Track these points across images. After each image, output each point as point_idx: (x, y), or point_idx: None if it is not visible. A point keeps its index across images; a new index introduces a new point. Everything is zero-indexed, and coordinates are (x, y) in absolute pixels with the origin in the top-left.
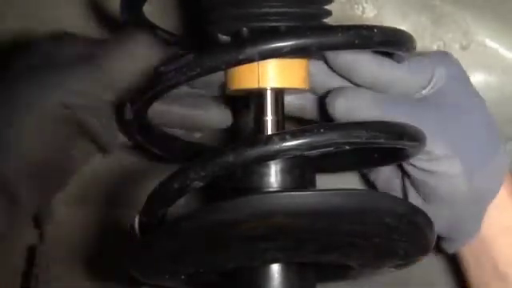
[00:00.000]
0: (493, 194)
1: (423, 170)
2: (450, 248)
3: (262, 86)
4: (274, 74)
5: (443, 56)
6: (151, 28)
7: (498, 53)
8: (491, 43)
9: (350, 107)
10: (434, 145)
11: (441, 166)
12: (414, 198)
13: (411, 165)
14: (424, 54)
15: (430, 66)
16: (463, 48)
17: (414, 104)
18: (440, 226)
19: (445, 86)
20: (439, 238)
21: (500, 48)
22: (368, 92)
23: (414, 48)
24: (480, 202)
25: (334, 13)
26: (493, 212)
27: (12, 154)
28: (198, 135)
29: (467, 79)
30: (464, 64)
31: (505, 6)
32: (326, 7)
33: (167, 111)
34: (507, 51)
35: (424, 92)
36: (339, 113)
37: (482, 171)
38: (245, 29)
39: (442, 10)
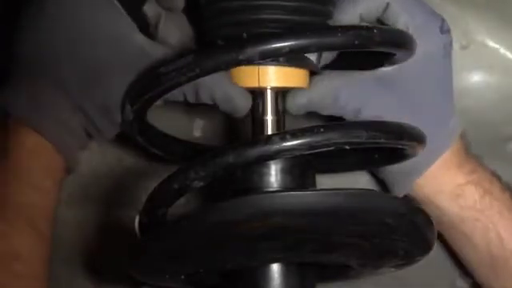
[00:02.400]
0: (441, 152)
1: None
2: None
3: (262, 85)
4: (274, 73)
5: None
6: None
7: (498, 53)
8: (491, 43)
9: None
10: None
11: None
12: None
13: None
14: None
15: None
16: (463, 48)
17: (373, 82)
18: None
19: (411, 64)
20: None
21: (500, 48)
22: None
23: (414, 48)
24: (429, 159)
25: None
26: (439, 171)
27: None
28: (197, 134)
29: (441, 57)
30: (464, 64)
31: (505, 5)
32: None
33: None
34: (507, 51)
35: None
36: (299, 106)
37: (436, 134)
38: (245, 34)
39: (442, 9)
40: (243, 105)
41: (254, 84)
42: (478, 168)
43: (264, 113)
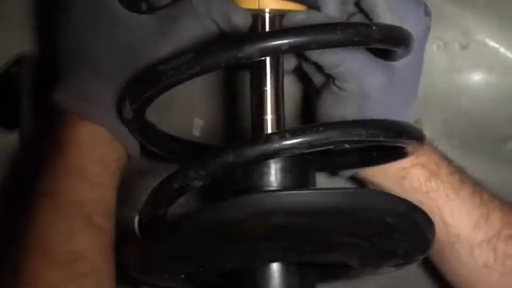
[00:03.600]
0: None
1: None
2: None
3: (261, 7)
4: None
5: None
6: None
7: (498, 52)
8: (491, 43)
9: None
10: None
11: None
12: None
13: None
14: None
15: None
16: (463, 47)
17: (365, 53)
18: None
19: None
20: None
21: (500, 48)
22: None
23: (413, 45)
24: None
25: None
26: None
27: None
28: (197, 133)
29: (420, 40)
30: (464, 64)
31: (505, 5)
32: None
33: None
34: (507, 51)
35: None
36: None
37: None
38: None
39: (442, 9)
40: (242, 22)
41: (253, 5)
42: (425, 151)
43: (264, 112)
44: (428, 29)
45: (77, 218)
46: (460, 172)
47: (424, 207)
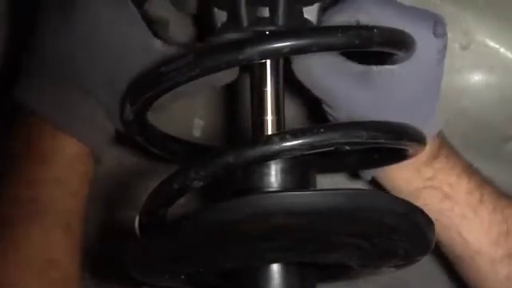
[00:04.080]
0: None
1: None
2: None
3: None
4: None
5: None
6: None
7: (498, 53)
8: (491, 43)
9: (306, 68)
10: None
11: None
12: None
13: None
14: None
15: None
16: (463, 48)
17: (356, 75)
18: None
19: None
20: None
21: (500, 48)
22: (324, 57)
23: (414, 48)
24: None
25: None
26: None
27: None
28: (197, 134)
29: (430, 65)
30: (464, 64)
31: (505, 5)
32: None
33: None
34: (507, 51)
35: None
36: (298, 73)
37: None
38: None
39: (443, 9)
40: None
41: None
42: (440, 172)
43: (264, 112)
44: (439, 51)
45: (56, 227)
46: (481, 188)
47: (440, 224)
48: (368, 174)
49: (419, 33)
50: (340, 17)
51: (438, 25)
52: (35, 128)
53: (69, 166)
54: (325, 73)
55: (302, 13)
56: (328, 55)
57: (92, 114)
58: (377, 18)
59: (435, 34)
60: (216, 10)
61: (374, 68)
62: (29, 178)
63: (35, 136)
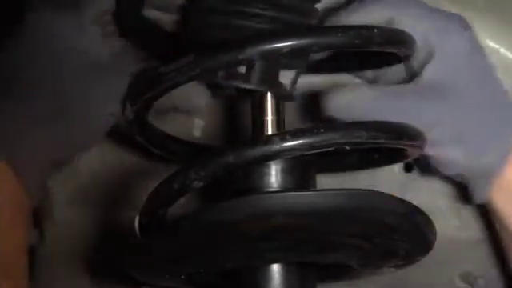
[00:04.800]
0: (497, 171)
1: (426, 154)
2: (476, 199)
3: None
4: None
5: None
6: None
7: (498, 53)
8: (491, 43)
9: (347, 104)
10: (435, 132)
11: (442, 151)
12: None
13: None
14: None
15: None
16: None
17: (411, 94)
18: (459, 179)
19: (443, 66)
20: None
21: (500, 48)
22: (366, 89)
23: (414, 48)
24: (485, 177)
25: None
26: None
27: None
28: (197, 134)
29: (471, 53)
30: None
31: (505, 6)
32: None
33: None
34: (507, 51)
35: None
36: (337, 111)
37: (485, 152)
38: None
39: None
40: None
41: None
42: None
43: (264, 112)
44: (471, 41)
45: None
46: None
47: None
48: (482, 190)
49: (450, 26)
50: (370, 12)
51: (461, 19)
52: None
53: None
54: (372, 108)
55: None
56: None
57: (36, 146)
58: (408, 15)
59: (464, 28)
60: None
61: (419, 78)
62: None
63: None
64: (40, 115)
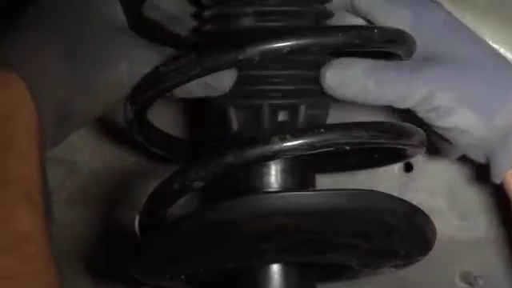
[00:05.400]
0: None
1: (437, 127)
2: (495, 179)
3: None
4: None
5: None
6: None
7: None
8: (491, 43)
9: (343, 78)
10: (439, 100)
11: (452, 119)
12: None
13: (426, 124)
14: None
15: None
16: None
17: (403, 65)
18: (478, 158)
19: (435, 38)
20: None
21: (500, 48)
22: (363, 61)
23: (414, 48)
24: (504, 144)
25: None
26: None
27: None
28: None
29: (458, 25)
30: None
31: (505, 6)
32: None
33: None
34: (507, 51)
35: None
36: (331, 84)
37: (499, 112)
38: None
39: None
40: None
41: None
42: None
43: None
44: (445, 12)
45: (15, 197)
46: None
47: None
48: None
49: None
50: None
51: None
52: None
53: (10, 122)
54: (364, 83)
55: None
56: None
57: (54, 67)
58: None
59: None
60: None
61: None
62: None
63: None
64: (60, 52)
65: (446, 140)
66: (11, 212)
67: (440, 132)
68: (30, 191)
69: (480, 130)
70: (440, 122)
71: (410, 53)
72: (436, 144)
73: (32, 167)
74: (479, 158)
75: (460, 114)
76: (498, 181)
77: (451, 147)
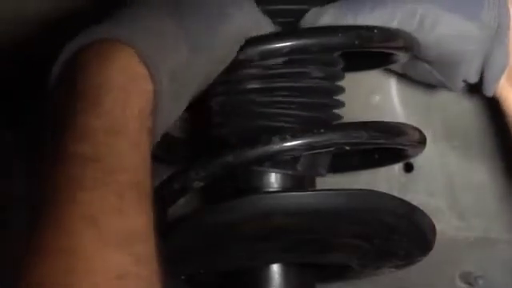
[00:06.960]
0: (506, 18)
1: (427, 39)
2: (488, 90)
3: None
4: None
5: None
6: None
7: None
8: None
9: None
10: (422, 10)
11: (442, 28)
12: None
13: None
14: None
15: None
16: None
17: None
18: (475, 69)
19: None
20: (477, 84)
21: None
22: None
23: (415, 48)
24: (500, 33)
25: None
26: None
27: None
28: None
29: None
30: None
31: None
32: None
33: None
34: None
35: None
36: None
37: (482, 8)
38: None
39: None
40: None
41: None
42: None
43: None
44: None
45: (127, 188)
46: None
47: None
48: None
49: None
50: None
51: None
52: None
53: (121, 105)
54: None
55: None
56: None
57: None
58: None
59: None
60: None
61: None
62: (82, 129)
63: (79, 74)
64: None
65: (447, 64)
66: (123, 205)
67: (438, 52)
68: (142, 182)
69: (472, 30)
70: (432, 34)
71: (409, 53)
72: (441, 80)
73: (143, 155)
74: (478, 69)
75: (447, 19)
76: (490, 92)
77: (453, 72)
